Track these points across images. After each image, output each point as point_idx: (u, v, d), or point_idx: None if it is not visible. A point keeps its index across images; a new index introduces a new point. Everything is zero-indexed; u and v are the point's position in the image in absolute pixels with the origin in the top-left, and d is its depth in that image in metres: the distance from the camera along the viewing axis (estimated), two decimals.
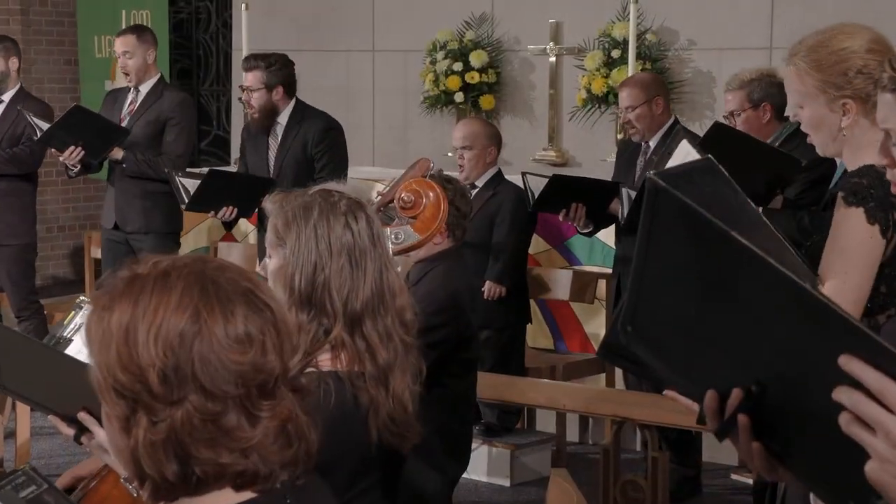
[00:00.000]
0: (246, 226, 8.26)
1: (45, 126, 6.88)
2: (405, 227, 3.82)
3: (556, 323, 7.25)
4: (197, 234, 8.36)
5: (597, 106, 7.87)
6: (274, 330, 1.71)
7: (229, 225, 6.94)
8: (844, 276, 3.06)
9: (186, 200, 6.62)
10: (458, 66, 8.26)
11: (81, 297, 3.00)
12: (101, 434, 2.38)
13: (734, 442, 1.61)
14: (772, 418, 1.56)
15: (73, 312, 2.83)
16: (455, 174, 6.64)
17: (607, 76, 7.71)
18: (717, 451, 6.44)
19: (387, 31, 8.84)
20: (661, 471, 5.41)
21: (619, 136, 7.66)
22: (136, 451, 1.68)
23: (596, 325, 7.10)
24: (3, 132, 7.50)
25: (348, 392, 2.78)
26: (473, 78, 8.24)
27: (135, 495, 2.43)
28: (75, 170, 7.08)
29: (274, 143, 6.82)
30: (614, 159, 7.48)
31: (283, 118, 6.79)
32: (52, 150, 7.03)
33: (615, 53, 7.72)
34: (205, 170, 7.22)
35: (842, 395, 1.43)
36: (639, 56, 7.44)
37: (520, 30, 8.30)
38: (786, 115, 5.70)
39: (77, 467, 2.79)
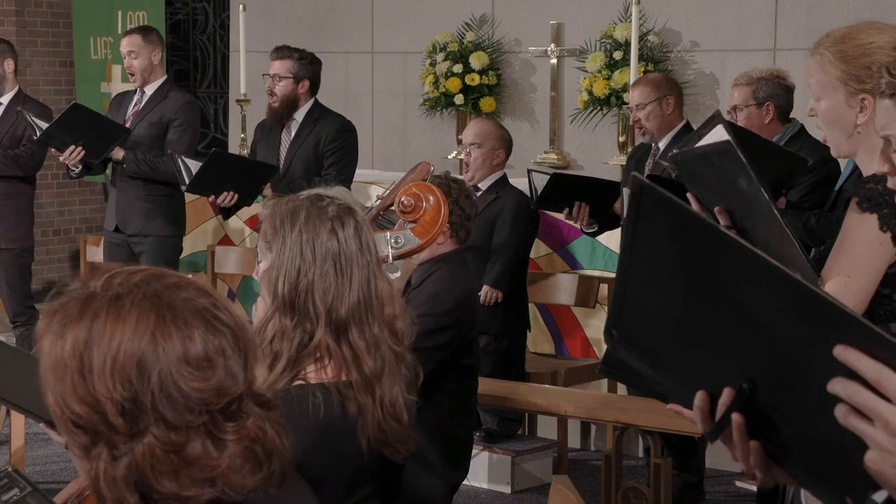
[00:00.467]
0: (244, 229, 8.23)
1: (45, 126, 6.86)
2: (405, 231, 3.77)
3: (557, 327, 7.23)
4: (194, 237, 8.33)
5: (598, 108, 7.82)
6: (235, 348, 1.65)
7: (227, 212, 6.91)
8: (847, 280, 3.04)
9: (187, 181, 6.63)
10: (458, 68, 8.21)
11: None
12: None
13: (727, 443, 1.58)
14: (765, 416, 1.53)
15: None
16: (458, 177, 6.62)
17: (609, 78, 7.67)
18: (720, 458, 6.41)
19: (386, 33, 8.80)
20: (664, 477, 5.40)
21: (621, 140, 7.62)
22: (97, 482, 1.63)
23: (598, 330, 7.07)
24: (2, 134, 7.47)
25: (336, 402, 2.77)
26: (474, 80, 8.19)
27: None
28: (76, 170, 7.06)
29: (287, 139, 6.91)
30: (615, 161, 7.48)
31: (299, 115, 6.88)
32: (53, 150, 7.00)
33: (617, 55, 7.67)
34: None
35: (837, 386, 1.40)
36: (641, 58, 7.40)
37: (520, 31, 8.26)
38: (791, 116, 5.78)
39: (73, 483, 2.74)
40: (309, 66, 6.88)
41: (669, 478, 5.48)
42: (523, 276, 6.67)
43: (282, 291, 2.81)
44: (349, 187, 6.72)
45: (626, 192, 6.04)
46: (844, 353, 1.39)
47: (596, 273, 6.99)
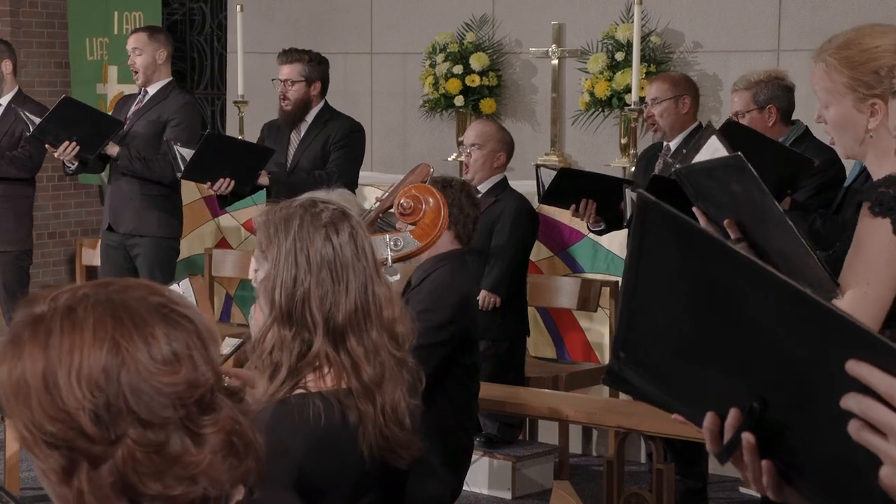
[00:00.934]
0: (242, 231, 8.21)
1: (38, 121, 6.84)
2: (405, 233, 3.75)
3: (558, 331, 7.22)
4: (192, 240, 8.30)
5: (600, 110, 7.80)
6: (198, 340, 1.63)
7: (224, 200, 6.90)
8: (866, 288, 3.04)
9: (182, 169, 6.63)
10: (458, 69, 8.18)
11: None
12: None
13: (737, 464, 1.57)
14: (776, 435, 1.52)
15: None
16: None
17: (611, 79, 7.65)
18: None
19: (385, 33, 8.77)
20: (667, 483, 5.40)
21: (623, 141, 7.58)
22: (81, 501, 1.59)
23: (599, 334, 7.08)
24: (1, 135, 7.45)
25: (336, 411, 2.75)
26: (474, 81, 8.16)
27: None
28: (72, 167, 7.03)
29: (296, 139, 6.94)
30: (617, 163, 7.44)
31: (310, 117, 6.93)
32: (47, 146, 6.98)
33: (619, 56, 7.64)
34: None
35: (850, 401, 1.39)
36: (643, 59, 7.36)
37: (521, 32, 8.22)
38: (793, 119, 5.75)
39: None
40: (318, 67, 6.93)
41: (672, 484, 5.47)
42: (522, 280, 6.65)
43: (279, 301, 2.80)
44: (354, 188, 6.70)
45: (628, 192, 6.01)
46: (857, 368, 1.37)
47: (598, 276, 6.98)
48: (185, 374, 1.60)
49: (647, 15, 7.51)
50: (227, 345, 4.00)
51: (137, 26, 9.21)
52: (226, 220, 8.28)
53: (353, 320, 2.80)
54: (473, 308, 4.93)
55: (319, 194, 3.04)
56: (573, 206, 6.14)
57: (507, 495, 6.46)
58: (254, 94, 8.09)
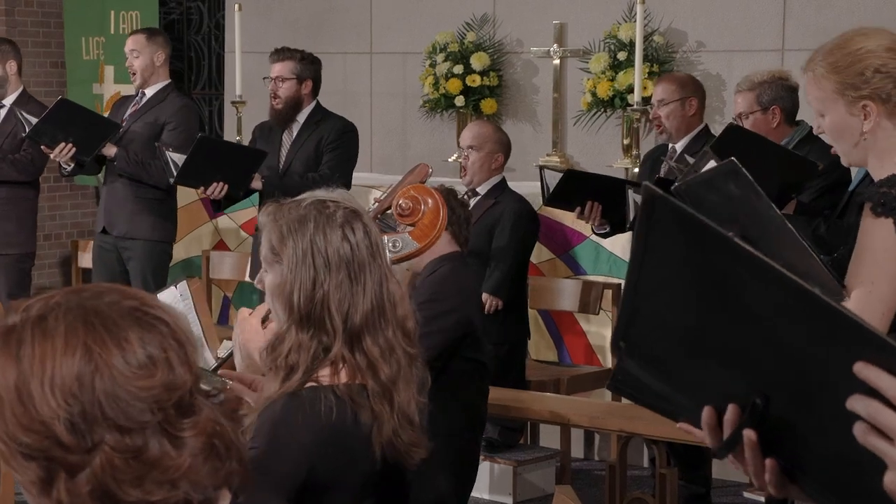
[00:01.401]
0: (240, 233, 8.19)
1: (34, 121, 6.83)
2: (403, 234, 3.72)
3: (560, 334, 7.21)
4: (189, 242, 8.29)
5: (602, 110, 7.78)
6: (174, 341, 1.61)
7: (218, 204, 6.90)
8: (871, 287, 3.07)
9: (175, 174, 6.61)
10: (458, 69, 8.15)
11: None
12: None
13: (738, 460, 1.57)
14: (777, 432, 1.52)
15: None
16: (457, 180, 6.57)
17: (613, 79, 7.63)
18: (727, 468, 6.31)
19: (385, 33, 8.75)
20: (670, 488, 5.40)
21: (626, 142, 7.55)
22: None
23: (601, 337, 7.06)
24: (3, 137, 7.42)
25: (348, 410, 2.73)
26: (474, 81, 8.13)
27: None
28: (68, 168, 7.02)
29: (288, 140, 6.92)
30: (619, 164, 7.40)
31: (301, 117, 6.91)
32: (44, 147, 6.98)
33: (621, 56, 7.61)
34: None
35: (857, 403, 1.39)
36: (646, 58, 7.34)
37: (522, 31, 8.20)
38: (797, 119, 5.71)
39: None
40: (311, 66, 6.90)
41: (675, 488, 5.46)
42: (523, 282, 6.63)
43: (298, 305, 2.77)
44: (347, 189, 6.65)
45: (631, 194, 5.97)
46: (865, 371, 1.37)
47: (600, 279, 6.96)
48: (161, 377, 1.58)
49: (649, 14, 7.48)
50: (225, 348, 3.95)
51: (134, 25, 9.20)
52: (223, 221, 8.28)
53: (370, 320, 2.78)
54: (478, 302, 4.89)
55: (322, 193, 2.98)
56: (578, 209, 6.10)
57: (509, 500, 6.44)
58: (252, 94, 8.05)
